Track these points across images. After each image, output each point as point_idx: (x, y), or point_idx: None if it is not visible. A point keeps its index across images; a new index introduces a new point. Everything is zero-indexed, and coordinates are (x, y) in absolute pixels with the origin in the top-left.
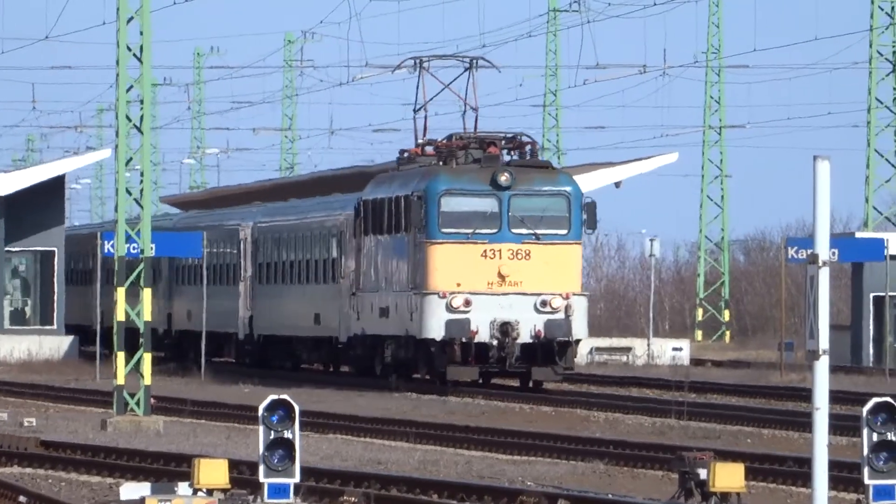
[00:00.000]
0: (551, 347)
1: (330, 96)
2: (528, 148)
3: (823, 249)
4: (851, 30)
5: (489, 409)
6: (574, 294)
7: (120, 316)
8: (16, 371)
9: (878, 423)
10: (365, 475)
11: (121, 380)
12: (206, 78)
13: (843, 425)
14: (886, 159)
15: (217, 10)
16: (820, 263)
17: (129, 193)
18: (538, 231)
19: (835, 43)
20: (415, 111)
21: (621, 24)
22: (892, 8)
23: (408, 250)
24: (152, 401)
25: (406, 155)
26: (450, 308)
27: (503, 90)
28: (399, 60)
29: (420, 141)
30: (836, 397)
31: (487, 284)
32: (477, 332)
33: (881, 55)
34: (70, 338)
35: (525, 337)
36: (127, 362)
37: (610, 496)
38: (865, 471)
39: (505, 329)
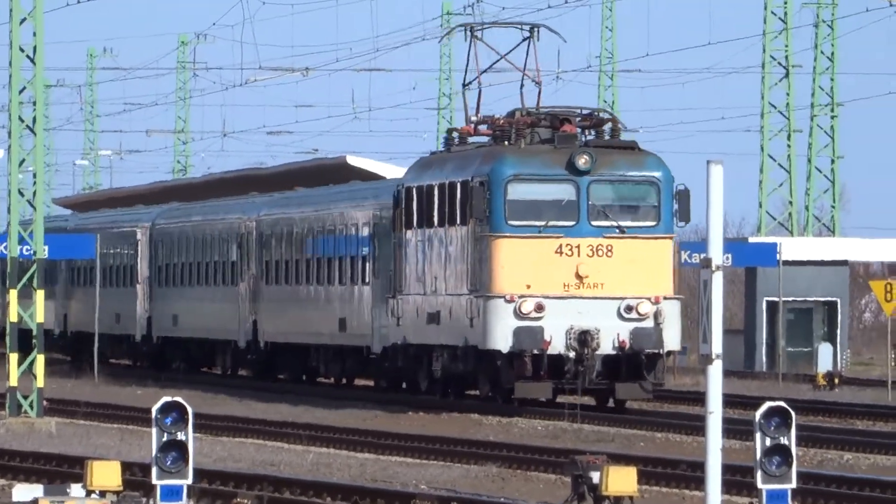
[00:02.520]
0: (638, 360)
1: (223, 98)
2: (607, 126)
3: (717, 254)
4: (745, 34)
5: (382, 412)
6: (665, 298)
7: (13, 317)
8: None
9: (772, 428)
10: (258, 477)
11: (13, 381)
12: (99, 79)
13: (736, 429)
14: (779, 164)
15: (110, 12)
16: (713, 268)
17: (22, 195)
18: (623, 223)
19: (728, 48)
20: (464, 85)
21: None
22: (785, 13)
23: (466, 246)
24: (45, 403)
25: (455, 135)
26: (518, 314)
27: (397, 93)
28: (291, 63)
29: (473, 119)
30: (729, 401)
31: (563, 286)
32: (550, 343)
33: (774, 60)
34: None
35: (607, 348)
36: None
37: (502, 500)
38: (758, 475)
39: (583, 339)
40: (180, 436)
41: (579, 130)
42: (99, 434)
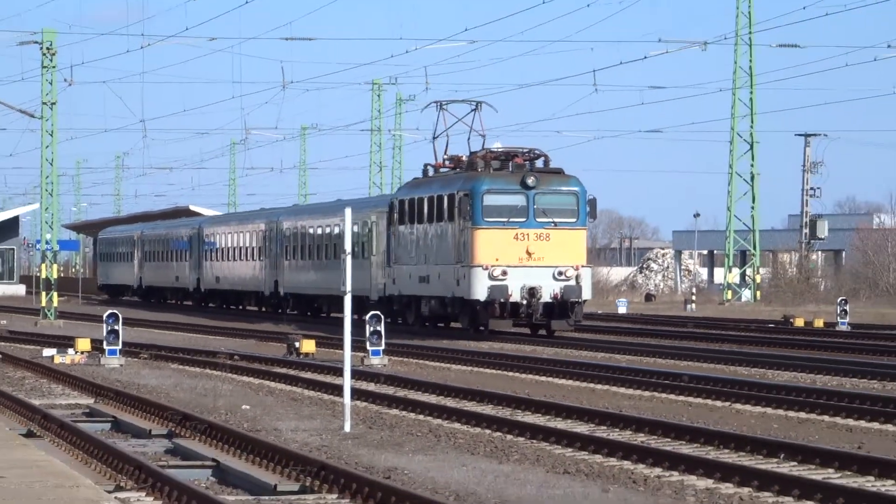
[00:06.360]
0: (566, 306)
1: (136, 182)
2: (541, 159)
3: (348, 247)
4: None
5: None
6: (582, 266)
7: (43, 275)
8: None
9: (373, 322)
10: (150, 345)
11: (43, 303)
12: (82, 174)
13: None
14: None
15: (83, 143)
16: (346, 254)
17: (47, 222)
18: (555, 220)
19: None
20: (434, 138)
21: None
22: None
23: (453, 234)
24: (59, 314)
25: (430, 167)
26: (491, 277)
27: (213, 175)
28: (163, 164)
29: (445, 156)
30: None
31: (518, 259)
32: (511, 295)
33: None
34: (22, 286)
35: (546, 298)
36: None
37: (258, 354)
38: (367, 343)
39: (532, 292)
40: (116, 327)
41: (524, 162)
42: (82, 327)
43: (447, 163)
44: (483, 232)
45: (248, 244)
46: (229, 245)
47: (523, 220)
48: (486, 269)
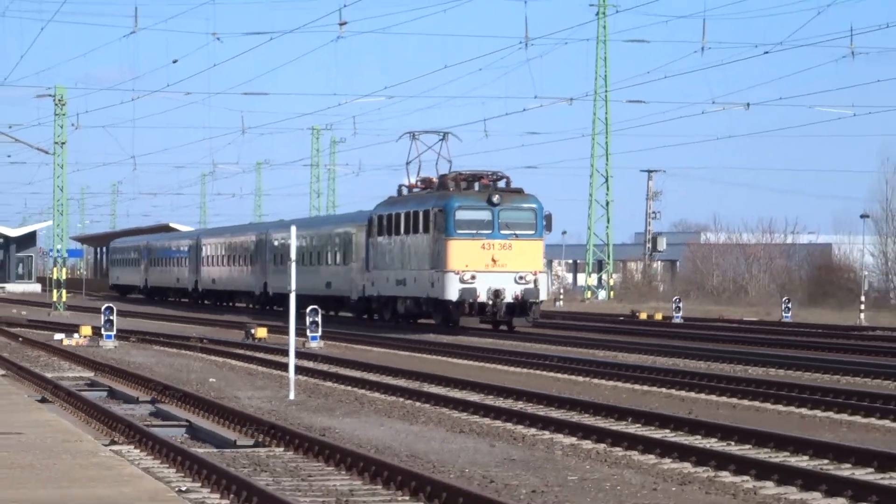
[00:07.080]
0: (526, 305)
1: (128, 204)
2: (504, 180)
3: (293, 255)
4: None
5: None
6: (539, 272)
7: (55, 276)
8: (17, 297)
9: (313, 314)
10: (138, 331)
11: (55, 298)
12: (87, 199)
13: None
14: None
15: (88, 173)
16: (292, 261)
17: (58, 236)
18: (517, 232)
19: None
20: (407, 163)
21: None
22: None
23: (428, 244)
24: (66, 307)
25: (404, 187)
26: (462, 280)
27: (187, 199)
28: (150, 190)
29: (417, 178)
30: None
31: (485, 265)
32: (479, 296)
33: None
34: (38, 284)
35: (509, 298)
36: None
37: (223, 339)
38: (308, 332)
39: (497, 293)
40: (112, 317)
41: (489, 182)
42: (85, 317)
43: (419, 184)
44: (455, 242)
45: (241, 252)
46: (224, 253)
47: (489, 232)
48: (458, 273)
